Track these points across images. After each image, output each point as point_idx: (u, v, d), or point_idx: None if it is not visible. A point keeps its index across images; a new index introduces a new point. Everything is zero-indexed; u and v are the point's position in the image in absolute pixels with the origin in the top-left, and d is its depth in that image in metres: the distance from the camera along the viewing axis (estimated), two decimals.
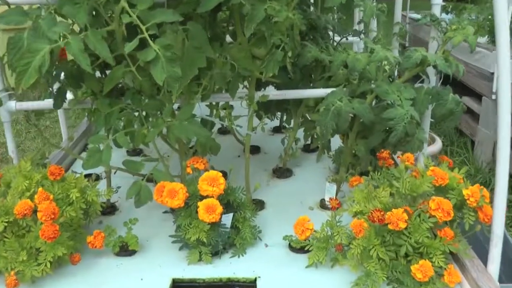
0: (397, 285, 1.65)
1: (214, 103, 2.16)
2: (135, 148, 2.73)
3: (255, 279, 1.74)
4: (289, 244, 1.90)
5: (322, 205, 2.17)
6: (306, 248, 1.81)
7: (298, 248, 1.85)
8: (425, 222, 1.63)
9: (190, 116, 1.85)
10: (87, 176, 2.12)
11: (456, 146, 4.31)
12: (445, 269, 1.64)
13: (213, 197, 1.76)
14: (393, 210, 1.64)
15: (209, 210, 1.72)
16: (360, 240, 1.67)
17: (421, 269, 1.59)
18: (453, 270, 1.65)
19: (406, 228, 1.63)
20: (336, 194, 2.16)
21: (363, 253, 1.66)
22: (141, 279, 1.74)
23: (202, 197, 1.78)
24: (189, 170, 1.93)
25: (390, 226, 1.63)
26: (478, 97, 4.13)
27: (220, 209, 1.73)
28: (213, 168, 2.36)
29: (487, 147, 3.92)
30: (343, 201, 2.19)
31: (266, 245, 1.92)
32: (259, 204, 2.17)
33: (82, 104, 1.99)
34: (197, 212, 1.76)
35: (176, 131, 1.81)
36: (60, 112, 2.86)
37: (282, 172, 2.46)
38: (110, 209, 2.18)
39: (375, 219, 1.60)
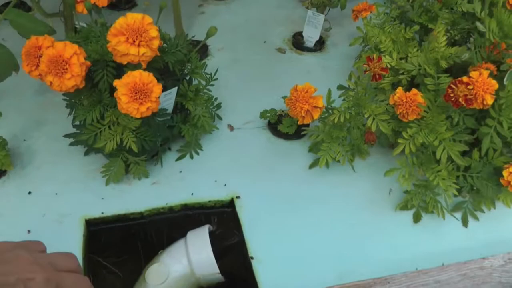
0: (471, 198, 1.02)
1: None
2: None
3: (232, 201, 1.01)
4: (269, 122, 1.15)
5: (297, 43, 1.38)
6: (303, 133, 1.08)
7: (290, 133, 1.11)
8: None
9: None
10: None
11: None
12: None
13: (140, 65, 0.92)
14: (471, 73, 0.91)
15: (139, 95, 0.88)
16: (415, 128, 0.96)
17: None
18: None
19: (493, 106, 0.94)
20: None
21: (419, 152, 0.97)
22: (28, 231, 0.94)
23: (119, 66, 0.93)
24: (80, 8, 1.04)
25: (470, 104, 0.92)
26: None
27: (158, 89, 0.90)
28: None
29: None
30: (327, 37, 1.43)
31: (232, 128, 1.15)
32: (200, 50, 1.33)
33: None
34: (111, 95, 0.93)
35: None
36: None
37: None
38: None
39: (459, 99, 0.88)
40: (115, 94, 0.88)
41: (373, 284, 0.81)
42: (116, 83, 0.89)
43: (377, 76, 0.95)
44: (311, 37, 1.35)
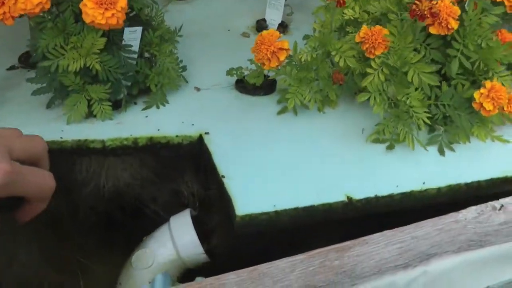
0: (445, 129, 1.01)
1: None
2: None
3: (200, 137, 0.97)
4: (237, 81, 1.14)
5: (261, 28, 1.39)
6: (270, 77, 1.07)
7: (256, 86, 1.10)
8: (487, 16, 0.98)
9: None
10: None
11: None
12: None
13: None
14: (434, 0, 0.95)
15: (104, 1, 0.87)
16: (383, 57, 0.97)
17: (491, 95, 0.95)
18: None
19: (457, 31, 0.96)
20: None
21: (390, 80, 0.97)
22: None
23: None
24: None
25: (433, 29, 0.95)
26: None
27: (124, 2, 0.90)
28: None
29: None
30: (290, 21, 1.46)
31: (198, 89, 1.13)
32: None
33: None
34: (76, 21, 0.92)
35: None
36: None
37: None
38: None
39: (425, 12, 0.90)
40: (80, 5, 0.87)
41: (352, 245, 0.78)
42: None
43: (342, 2, 0.97)
44: (273, 19, 1.38)
